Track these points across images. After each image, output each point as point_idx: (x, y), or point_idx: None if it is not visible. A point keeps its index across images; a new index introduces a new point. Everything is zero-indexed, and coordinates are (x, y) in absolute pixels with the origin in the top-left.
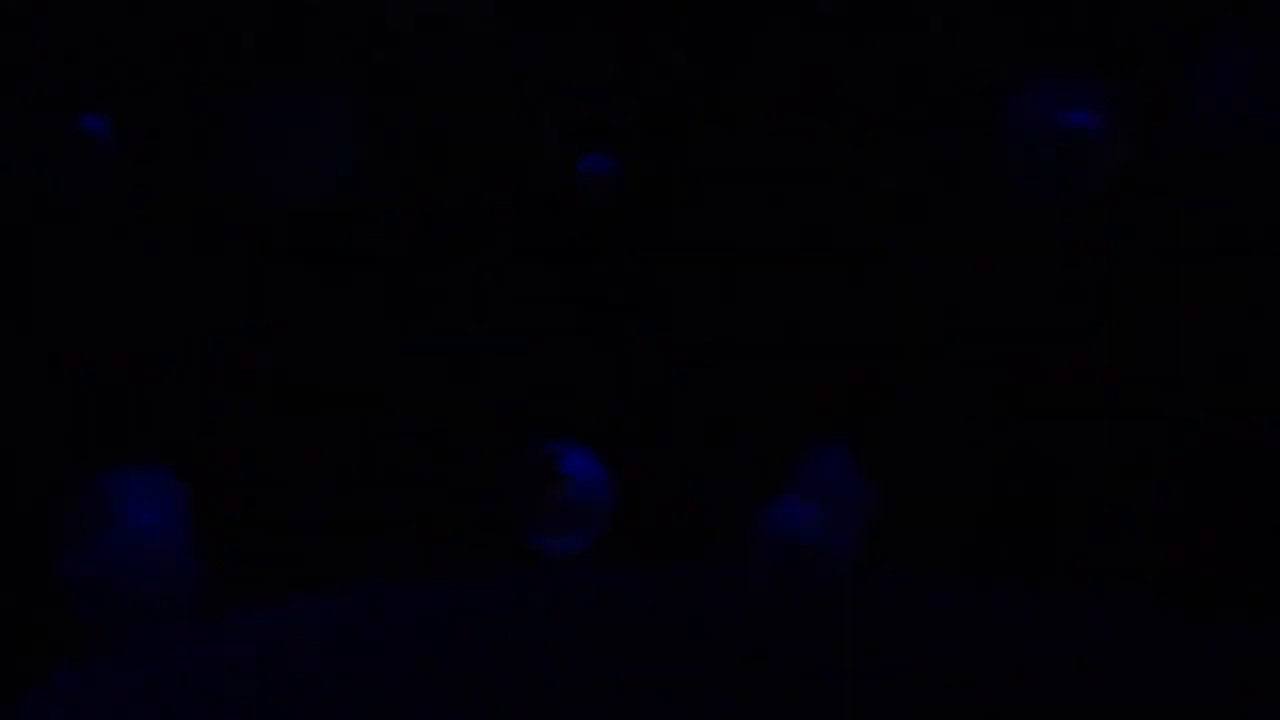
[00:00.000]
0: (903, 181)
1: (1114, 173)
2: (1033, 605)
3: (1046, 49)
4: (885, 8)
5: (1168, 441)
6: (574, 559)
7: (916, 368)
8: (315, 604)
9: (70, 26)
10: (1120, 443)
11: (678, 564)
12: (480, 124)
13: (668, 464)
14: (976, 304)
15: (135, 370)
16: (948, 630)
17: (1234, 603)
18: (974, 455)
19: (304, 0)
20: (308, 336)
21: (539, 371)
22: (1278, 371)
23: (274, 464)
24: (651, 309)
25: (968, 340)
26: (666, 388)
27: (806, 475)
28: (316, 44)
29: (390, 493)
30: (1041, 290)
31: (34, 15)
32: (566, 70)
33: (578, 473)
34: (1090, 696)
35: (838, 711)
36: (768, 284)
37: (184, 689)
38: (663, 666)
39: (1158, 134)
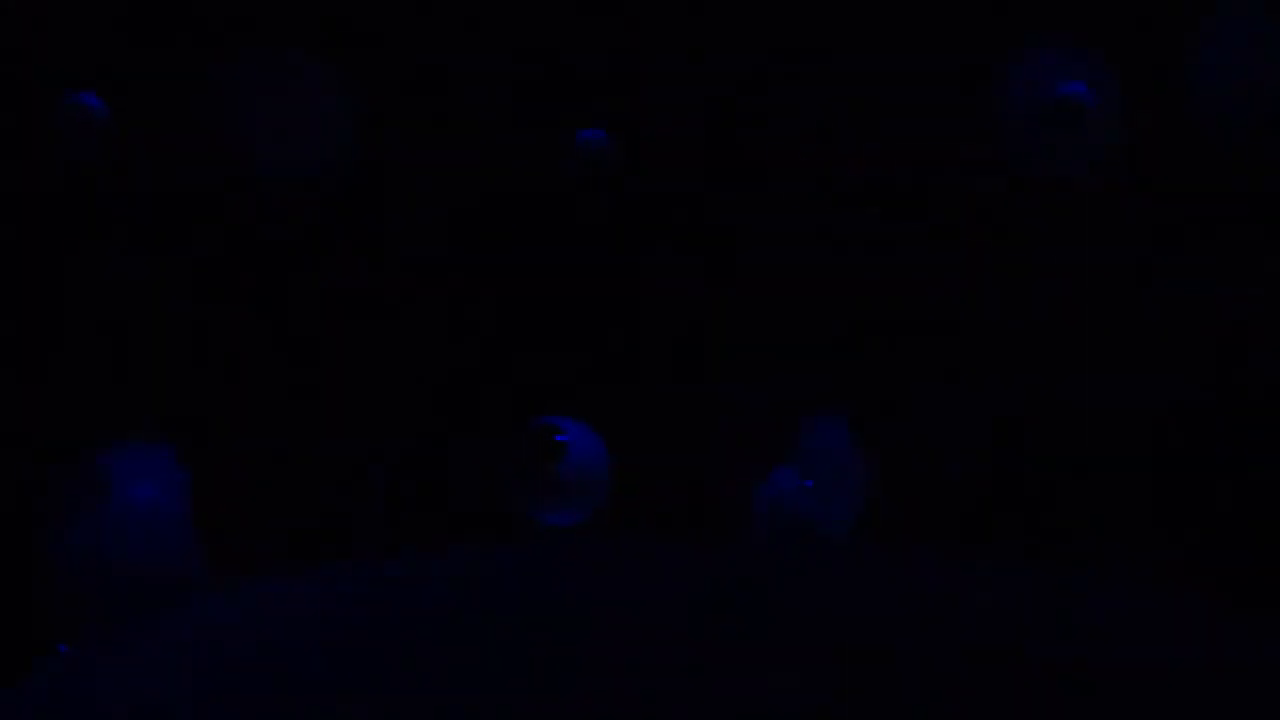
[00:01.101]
0: (900, 157)
1: (1111, 145)
2: (1028, 581)
3: (1044, 21)
4: None
5: (1167, 419)
6: (571, 531)
7: (914, 342)
8: (314, 579)
9: (67, 5)
10: (1119, 420)
11: (674, 537)
12: (476, 101)
13: (665, 437)
14: (974, 278)
15: (134, 348)
16: (942, 605)
17: (1235, 583)
18: (971, 430)
19: None
20: (305, 314)
21: (535, 345)
22: (1278, 348)
23: (273, 441)
24: (649, 283)
25: (965, 314)
26: (664, 361)
27: (804, 448)
28: (310, 21)
29: (388, 468)
30: (1041, 264)
31: None
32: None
33: (574, 445)
34: (1084, 673)
35: (833, 685)
36: (766, 258)
37: (183, 665)
38: (659, 640)
39: (1155, 107)
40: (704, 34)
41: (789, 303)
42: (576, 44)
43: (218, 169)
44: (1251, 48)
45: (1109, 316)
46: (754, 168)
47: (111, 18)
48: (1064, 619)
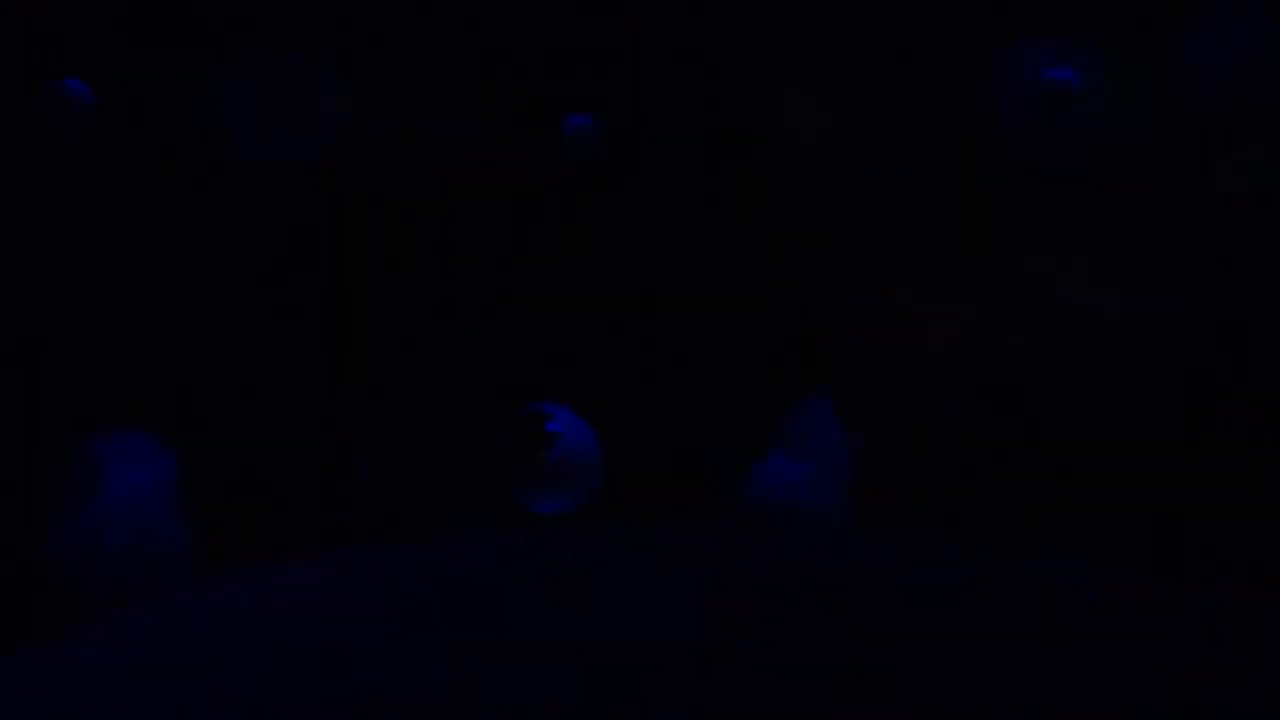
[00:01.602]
0: (885, 143)
1: (1102, 132)
2: (1016, 567)
3: (1034, 7)
4: None
5: (1156, 406)
6: (562, 518)
7: (907, 334)
8: (312, 566)
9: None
10: (1107, 406)
11: (666, 522)
12: (466, 87)
13: (655, 424)
14: (961, 260)
15: (122, 333)
16: (934, 590)
17: (1223, 567)
18: (962, 412)
19: None
20: (296, 302)
21: (525, 332)
22: (1270, 332)
23: (262, 428)
24: (638, 269)
25: (953, 297)
26: (653, 347)
27: (794, 432)
28: (299, 9)
29: (378, 455)
30: (1025, 247)
31: None
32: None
33: (565, 432)
34: (1070, 659)
35: (825, 671)
36: (758, 249)
37: (170, 656)
38: (655, 625)
39: (1146, 92)
40: (694, 24)
41: (778, 289)
42: (566, 32)
43: (213, 165)
44: (1245, 41)
45: (1102, 306)
46: (741, 157)
47: (109, 14)
48: (1050, 602)
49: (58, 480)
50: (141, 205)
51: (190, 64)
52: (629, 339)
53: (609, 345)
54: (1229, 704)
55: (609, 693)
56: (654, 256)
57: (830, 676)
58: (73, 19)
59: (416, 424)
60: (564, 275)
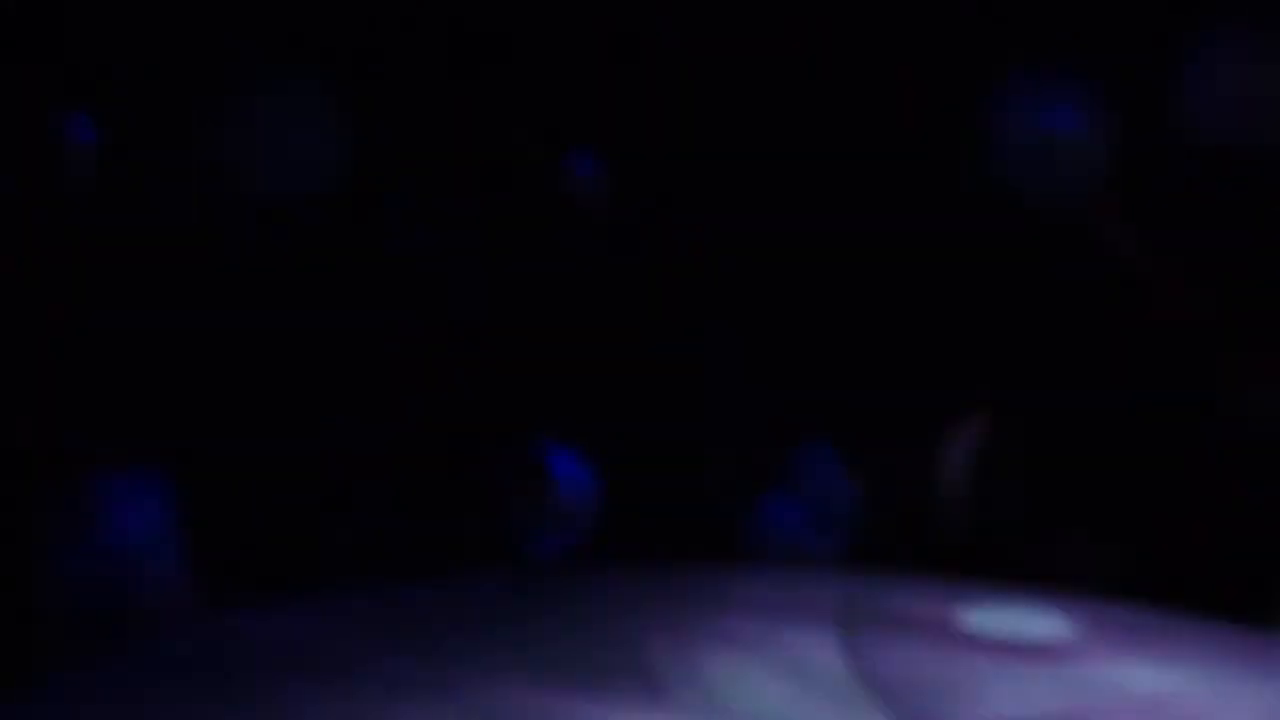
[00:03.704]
0: (888, 184)
1: (1101, 172)
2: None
3: (1034, 50)
4: (875, 9)
5: (1152, 446)
6: (560, 560)
7: (901, 367)
8: (307, 606)
9: (54, 27)
10: (1103, 446)
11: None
12: (468, 121)
13: (655, 464)
14: (961, 304)
15: (127, 371)
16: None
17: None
18: (961, 456)
19: None
20: (300, 337)
21: (525, 374)
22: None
23: (265, 466)
24: (638, 308)
25: (952, 339)
26: (654, 387)
27: (793, 476)
28: (302, 40)
29: (380, 496)
30: (1029, 289)
31: (17, 17)
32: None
33: (563, 475)
34: None
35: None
36: (758, 285)
37: (172, 691)
38: None
39: (1145, 133)
40: (695, 63)
41: (779, 328)
42: (569, 70)
43: (213, 189)
44: (1242, 72)
45: (1100, 341)
46: (745, 192)
47: (108, 36)
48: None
49: (56, 519)
50: (144, 243)
51: (193, 90)
52: (629, 378)
53: (608, 384)
54: None
55: None
56: (653, 296)
57: None
58: (73, 55)
59: (417, 463)
60: (565, 314)
